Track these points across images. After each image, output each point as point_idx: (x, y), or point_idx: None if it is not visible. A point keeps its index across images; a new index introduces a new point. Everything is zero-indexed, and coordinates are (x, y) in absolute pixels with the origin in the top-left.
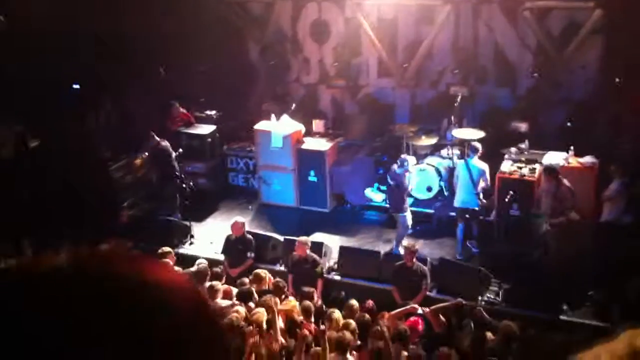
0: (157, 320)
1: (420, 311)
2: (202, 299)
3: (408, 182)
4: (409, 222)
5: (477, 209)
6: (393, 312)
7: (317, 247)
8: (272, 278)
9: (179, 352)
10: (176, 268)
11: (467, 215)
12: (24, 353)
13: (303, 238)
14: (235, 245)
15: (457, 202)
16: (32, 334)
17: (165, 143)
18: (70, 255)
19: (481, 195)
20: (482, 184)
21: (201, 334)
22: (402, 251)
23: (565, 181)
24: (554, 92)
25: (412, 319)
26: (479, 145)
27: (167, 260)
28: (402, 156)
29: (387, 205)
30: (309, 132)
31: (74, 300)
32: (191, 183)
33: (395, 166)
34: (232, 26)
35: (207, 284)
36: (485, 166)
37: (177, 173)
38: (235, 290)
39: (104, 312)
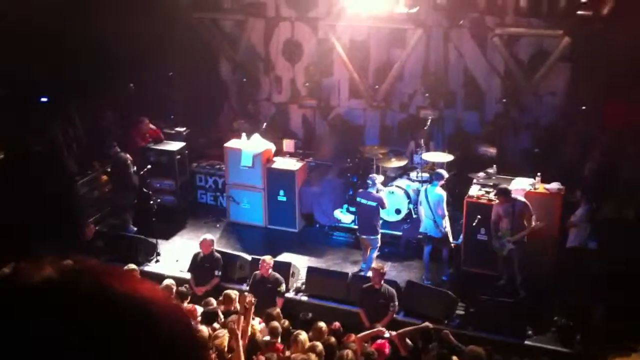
0: (145, 331)
1: (387, 335)
2: (184, 314)
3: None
4: (379, 243)
5: (437, 237)
6: (360, 335)
7: (285, 267)
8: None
9: None
10: None
11: (431, 241)
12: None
13: (266, 257)
14: (202, 264)
15: (421, 227)
16: (37, 339)
17: (125, 155)
18: (57, 267)
19: (443, 223)
20: (438, 212)
21: (183, 348)
22: (370, 273)
23: (518, 197)
24: (521, 117)
25: (379, 341)
26: (444, 174)
27: None
28: (371, 175)
29: (357, 230)
30: (279, 152)
31: (67, 310)
32: (152, 200)
33: (373, 188)
34: (204, 43)
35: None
36: (442, 195)
37: (133, 185)
38: (200, 310)
39: (97, 322)
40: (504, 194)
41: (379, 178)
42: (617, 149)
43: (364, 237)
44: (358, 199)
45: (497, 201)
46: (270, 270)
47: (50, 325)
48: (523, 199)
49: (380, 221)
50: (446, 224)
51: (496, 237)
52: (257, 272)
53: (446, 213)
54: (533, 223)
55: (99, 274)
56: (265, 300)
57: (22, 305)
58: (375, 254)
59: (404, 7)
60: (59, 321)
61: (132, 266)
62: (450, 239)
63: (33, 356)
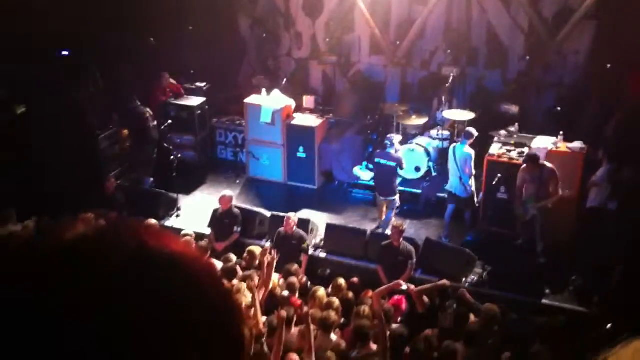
0: (188, 289)
1: (404, 287)
2: (216, 273)
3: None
4: (398, 203)
5: (463, 197)
6: (377, 290)
7: (304, 224)
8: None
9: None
10: None
11: (455, 200)
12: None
13: (291, 214)
14: (221, 219)
15: (447, 185)
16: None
17: (145, 108)
18: (91, 225)
19: (470, 182)
20: (466, 171)
21: (221, 306)
22: (389, 230)
23: (547, 163)
24: (545, 76)
25: (396, 297)
26: (474, 132)
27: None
28: (388, 136)
29: (375, 190)
30: (299, 108)
31: (110, 268)
32: (173, 155)
33: (391, 148)
34: None
35: None
36: (471, 153)
37: (152, 139)
38: (219, 265)
39: (140, 277)
40: (532, 160)
41: (397, 138)
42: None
43: (382, 198)
44: (377, 160)
45: (524, 166)
46: (294, 228)
47: (95, 280)
48: (551, 166)
49: (398, 181)
50: (473, 184)
51: (520, 201)
52: (281, 229)
53: (474, 172)
54: (560, 191)
55: (134, 230)
56: (290, 257)
57: (54, 266)
58: (394, 214)
59: None
60: (105, 276)
61: (153, 221)
62: (476, 200)
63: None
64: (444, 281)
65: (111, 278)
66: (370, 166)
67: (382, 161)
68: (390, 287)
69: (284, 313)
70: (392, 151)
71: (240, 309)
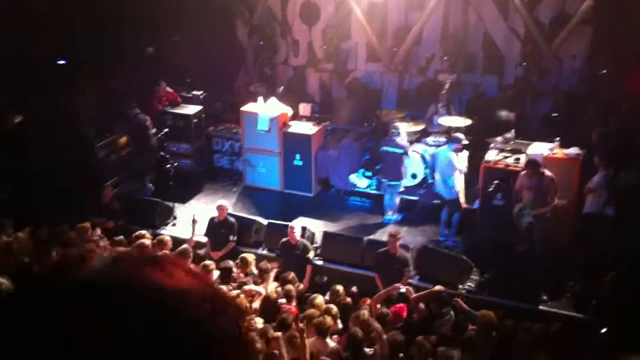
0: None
1: (403, 289)
2: (229, 304)
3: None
4: (403, 187)
5: (447, 198)
6: (375, 296)
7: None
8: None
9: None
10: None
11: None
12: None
13: (294, 223)
14: (218, 228)
15: (436, 189)
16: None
17: (145, 116)
18: (104, 265)
19: (454, 184)
20: (449, 172)
21: (224, 344)
22: (385, 237)
23: (547, 171)
24: (541, 81)
25: (397, 305)
26: (461, 137)
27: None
28: (395, 124)
29: (381, 176)
30: (296, 116)
31: (118, 310)
32: (169, 164)
33: (398, 136)
34: (221, 5)
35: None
36: (454, 156)
37: (152, 147)
38: (216, 274)
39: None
40: (533, 166)
41: (403, 125)
42: (637, 115)
43: (388, 182)
44: (383, 148)
45: (524, 172)
46: (298, 237)
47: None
48: (550, 174)
49: (405, 168)
50: (459, 186)
51: (517, 207)
52: (285, 239)
53: (460, 175)
54: (556, 200)
55: (138, 266)
56: (294, 267)
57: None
58: (398, 198)
59: None
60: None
61: (143, 232)
62: (462, 203)
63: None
64: (439, 287)
65: (127, 317)
66: (368, 173)
67: (390, 149)
68: (388, 291)
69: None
70: (398, 139)
71: (247, 340)
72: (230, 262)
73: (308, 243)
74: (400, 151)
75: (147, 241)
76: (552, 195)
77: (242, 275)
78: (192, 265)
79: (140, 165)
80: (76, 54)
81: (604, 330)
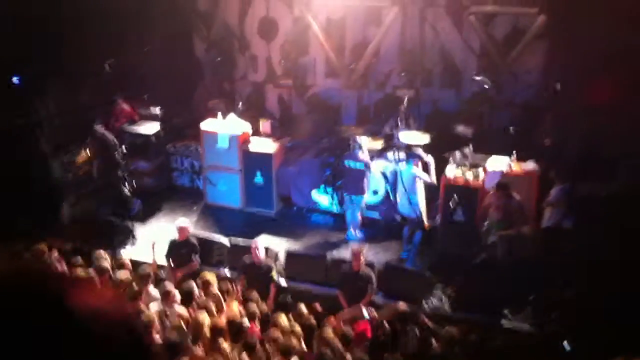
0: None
1: (365, 311)
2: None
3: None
4: (364, 203)
5: (412, 217)
6: (338, 315)
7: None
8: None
9: None
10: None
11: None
12: None
13: (256, 241)
14: (179, 249)
15: (399, 208)
16: None
17: (110, 134)
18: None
19: (418, 202)
20: (413, 191)
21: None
22: (350, 252)
23: (516, 195)
24: (498, 96)
25: (361, 325)
26: (421, 153)
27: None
28: (355, 138)
29: (344, 190)
30: (256, 132)
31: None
32: (133, 182)
33: (359, 150)
34: (178, 22)
35: (152, 286)
36: (417, 173)
37: (119, 163)
38: (178, 295)
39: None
40: (503, 188)
41: (364, 140)
42: (594, 127)
43: (353, 197)
44: (345, 162)
45: (493, 192)
46: (261, 256)
47: None
48: (519, 198)
49: (367, 182)
50: (421, 204)
51: (485, 224)
52: (247, 257)
53: (422, 193)
54: (522, 226)
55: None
56: (257, 286)
57: None
58: (359, 214)
59: None
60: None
61: (101, 253)
62: (425, 221)
63: None
64: (401, 304)
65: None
66: (329, 189)
67: (351, 164)
68: (350, 312)
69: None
70: (360, 153)
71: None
72: (192, 283)
73: (271, 262)
74: (362, 165)
75: (106, 262)
76: (519, 219)
77: (203, 295)
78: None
79: (111, 182)
80: (33, 69)
81: (565, 342)
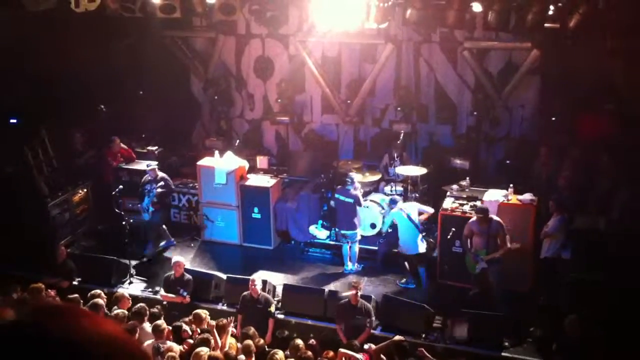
0: None
1: (365, 346)
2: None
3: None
4: (359, 236)
5: (417, 253)
6: (340, 351)
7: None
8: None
9: None
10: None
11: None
12: None
13: (255, 277)
14: (174, 286)
15: (408, 250)
16: None
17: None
18: (19, 311)
19: (419, 245)
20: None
21: None
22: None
23: (494, 217)
24: (493, 129)
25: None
26: (395, 198)
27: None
28: (350, 174)
29: (336, 225)
30: (253, 169)
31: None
32: (124, 221)
33: (351, 186)
34: (176, 61)
35: (148, 323)
36: (414, 208)
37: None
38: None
39: None
40: (483, 212)
41: (358, 176)
42: (589, 160)
43: (342, 231)
44: (337, 196)
45: (474, 218)
46: (259, 291)
47: None
48: (498, 219)
49: (358, 218)
50: (422, 246)
51: (469, 253)
52: (246, 293)
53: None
54: (508, 244)
55: (66, 317)
56: (256, 321)
57: None
58: (357, 247)
59: (374, 22)
60: None
61: (98, 291)
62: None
63: None
64: (398, 337)
65: None
66: (327, 223)
67: (342, 197)
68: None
69: None
70: (352, 189)
71: None
72: (181, 320)
73: (269, 296)
74: (351, 200)
75: (101, 300)
76: (502, 239)
77: (197, 331)
78: (100, 316)
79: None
80: (30, 112)
81: None
